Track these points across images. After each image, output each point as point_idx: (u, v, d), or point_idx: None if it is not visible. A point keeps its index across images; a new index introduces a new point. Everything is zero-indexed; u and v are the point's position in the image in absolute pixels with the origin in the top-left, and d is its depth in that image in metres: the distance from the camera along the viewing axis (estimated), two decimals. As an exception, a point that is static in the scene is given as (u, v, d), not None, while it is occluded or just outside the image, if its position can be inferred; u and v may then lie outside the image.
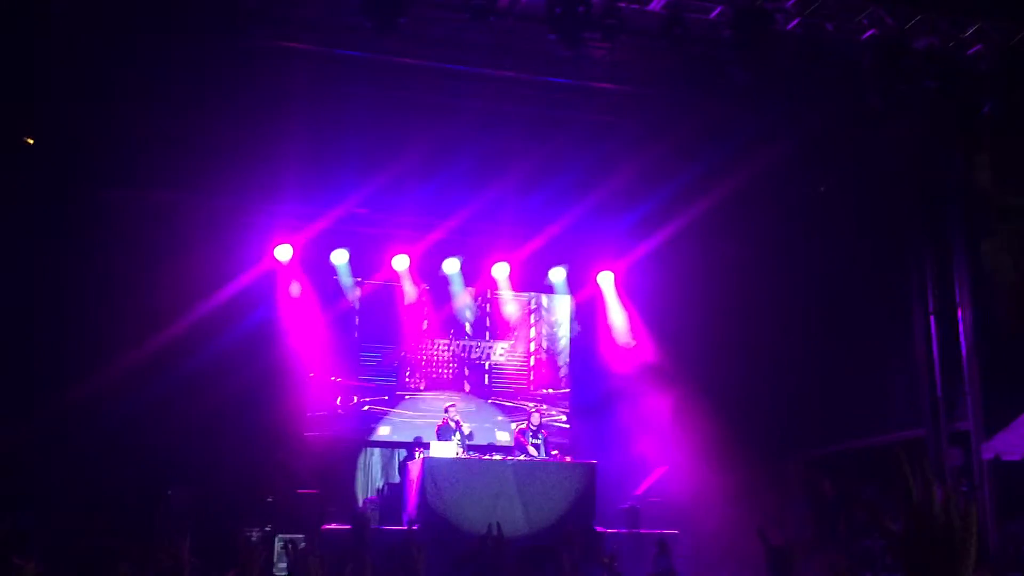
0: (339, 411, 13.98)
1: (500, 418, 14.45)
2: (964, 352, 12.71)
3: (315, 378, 13.82)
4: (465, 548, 9.81)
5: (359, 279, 14.52)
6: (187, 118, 11.63)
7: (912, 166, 13.18)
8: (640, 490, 13.40)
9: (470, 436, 12.64)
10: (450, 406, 12.81)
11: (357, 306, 14.54)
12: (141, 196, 12.62)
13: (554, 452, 12.68)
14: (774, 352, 14.01)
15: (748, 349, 13.93)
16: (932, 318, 13.37)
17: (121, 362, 12.00)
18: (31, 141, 11.66)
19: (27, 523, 10.39)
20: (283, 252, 13.72)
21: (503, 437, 13.64)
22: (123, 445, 11.73)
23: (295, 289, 13.90)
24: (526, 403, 14.28)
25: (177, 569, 4.10)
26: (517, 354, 15.15)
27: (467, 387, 14.66)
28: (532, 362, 15.18)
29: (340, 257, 14.22)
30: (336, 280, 14.41)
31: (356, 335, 14.43)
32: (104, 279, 12.38)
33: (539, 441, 12.55)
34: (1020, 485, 12.02)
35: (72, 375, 11.75)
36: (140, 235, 12.54)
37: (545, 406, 13.67)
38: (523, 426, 12.87)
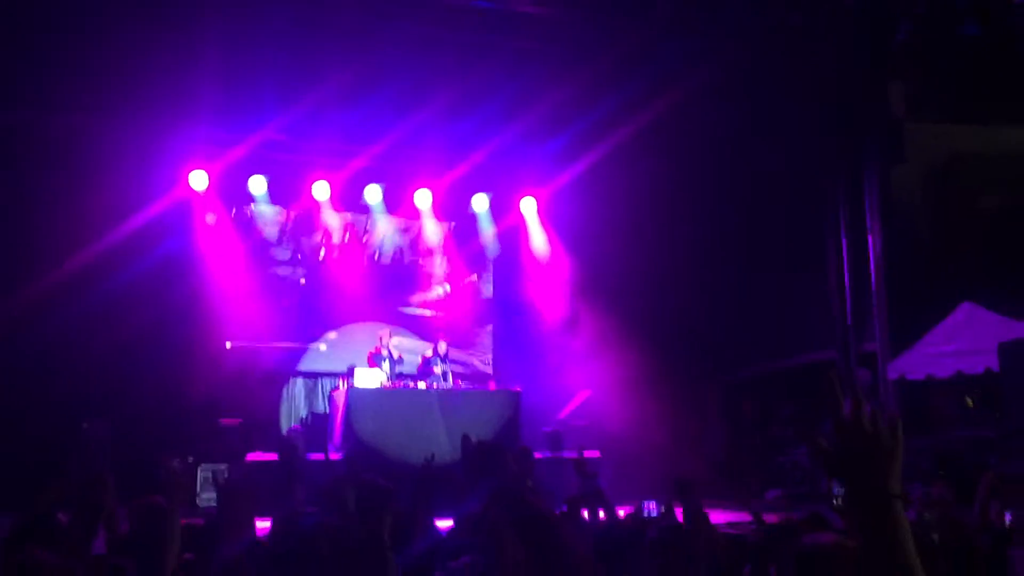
0: (259, 343, 13.80)
1: (415, 345, 14.40)
2: (873, 277, 13.19)
3: (235, 307, 13.60)
4: (390, 478, 9.82)
5: (279, 207, 14.22)
6: (95, 36, 11.07)
7: (828, 93, 13.42)
8: (563, 414, 13.64)
9: (399, 361, 12.64)
10: (383, 334, 12.79)
11: (276, 236, 14.27)
12: (49, 119, 12.02)
13: (460, 383, 12.63)
14: (694, 278, 14.29)
15: (668, 275, 14.18)
16: (844, 243, 13.80)
17: (29, 291, 11.57)
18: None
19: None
20: (198, 179, 13.31)
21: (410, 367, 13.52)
22: (34, 377, 11.40)
23: (211, 218, 13.55)
24: (436, 330, 14.21)
25: (101, 503, 4.02)
26: (438, 283, 15.14)
27: (388, 315, 14.58)
28: (450, 290, 15.19)
29: (258, 185, 13.86)
30: (254, 208, 14.10)
31: (275, 265, 14.19)
32: (10, 205, 11.88)
33: (445, 368, 12.58)
34: (921, 403, 12.63)
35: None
36: (49, 160, 12.00)
37: (445, 345, 13.53)
38: (428, 354, 12.89)
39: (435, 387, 12.13)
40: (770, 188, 14.06)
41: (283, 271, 14.23)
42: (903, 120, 13.72)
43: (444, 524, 5.07)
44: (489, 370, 14.80)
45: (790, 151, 13.80)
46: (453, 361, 13.27)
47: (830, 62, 13.13)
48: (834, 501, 8.95)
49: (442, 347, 12.82)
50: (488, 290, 15.43)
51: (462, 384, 13.02)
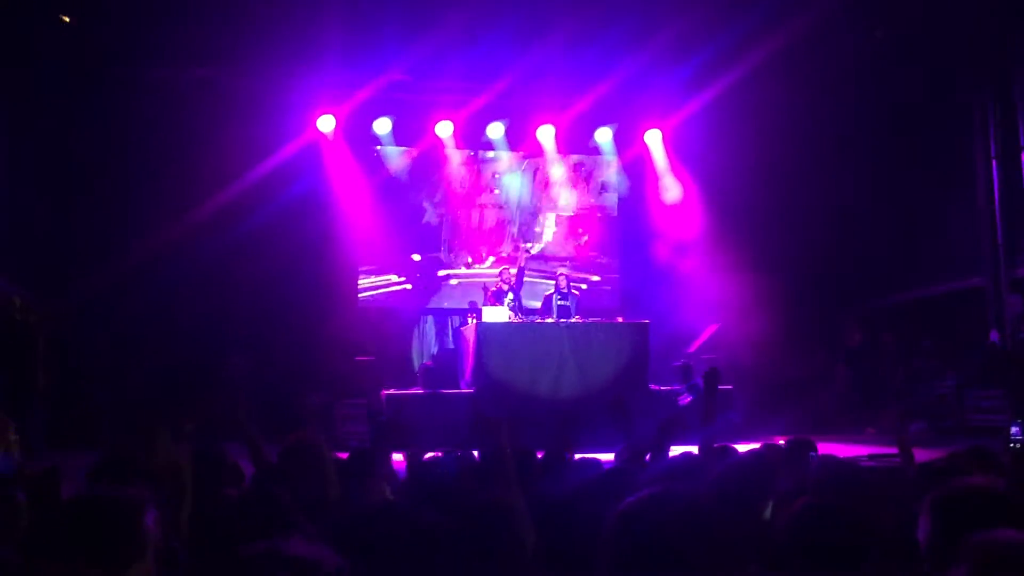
0: (392, 281, 14.12)
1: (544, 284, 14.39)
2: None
3: (366, 246, 13.92)
4: (523, 411, 9.93)
5: (404, 148, 14.39)
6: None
7: (976, 6, 12.49)
8: (693, 348, 13.46)
9: (518, 300, 12.71)
10: (504, 270, 12.85)
11: (403, 176, 14.47)
12: (180, 72, 12.52)
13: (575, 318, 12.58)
14: (829, 205, 13.75)
15: (802, 204, 13.68)
16: (994, 163, 12.97)
17: (175, 232, 12.21)
18: (67, 19, 11.51)
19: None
20: (326, 122, 13.62)
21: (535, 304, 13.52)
22: (178, 313, 12.10)
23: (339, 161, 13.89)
24: (560, 266, 14.15)
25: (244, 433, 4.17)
26: (564, 219, 15.06)
27: (517, 252, 14.63)
28: (579, 228, 15.10)
29: (383, 126, 14.07)
30: (380, 149, 14.32)
31: (403, 205, 14.41)
32: (147, 156, 12.49)
33: (567, 303, 12.53)
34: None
35: (120, 251, 12.03)
36: (180, 112, 12.53)
37: (565, 269, 13.42)
38: (549, 292, 12.86)
39: (562, 322, 12.10)
40: (912, 109, 13.32)
41: (410, 210, 14.42)
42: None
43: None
44: (614, 295, 14.71)
45: (935, 66, 12.98)
46: (578, 290, 13.23)
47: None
48: (1011, 444, 8.44)
49: (562, 282, 12.71)
50: (614, 221, 15.24)
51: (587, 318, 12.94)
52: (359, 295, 13.94)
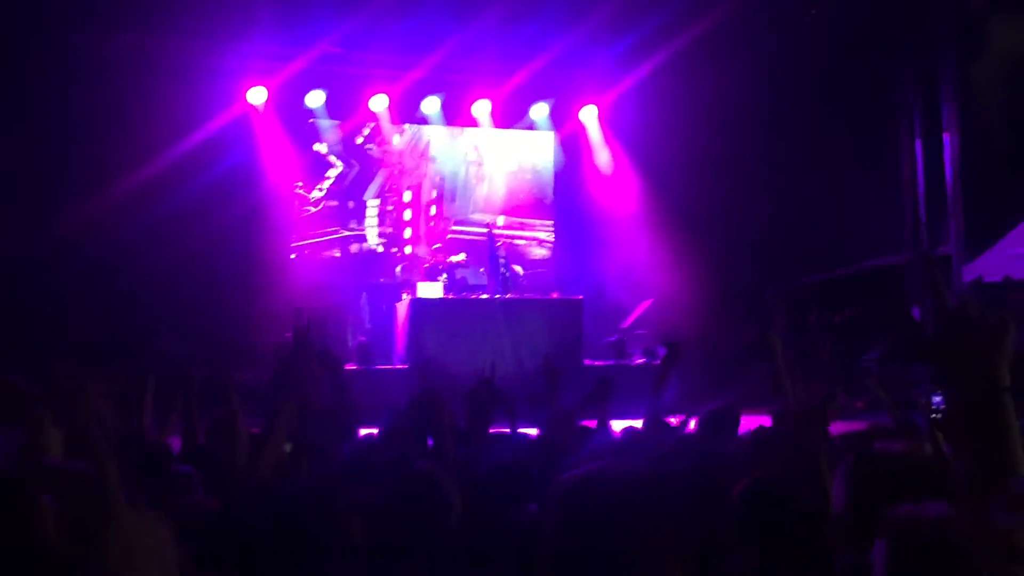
0: (325, 255, 13.96)
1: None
2: (948, 177, 12.70)
3: (298, 221, 13.73)
4: (455, 387, 9.92)
5: (337, 121, 14.18)
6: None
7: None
8: (626, 323, 13.59)
9: (456, 274, 12.66)
10: (437, 248, 12.83)
11: (337, 149, 14.28)
12: (106, 39, 12.10)
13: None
14: (758, 182, 13.95)
15: (733, 179, 13.85)
16: (918, 143, 13.29)
17: (95, 207, 11.79)
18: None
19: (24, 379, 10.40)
20: (257, 94, 13.32)
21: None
22: (100, 294, 11.68)
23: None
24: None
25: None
26: (501, 193, 15.04)
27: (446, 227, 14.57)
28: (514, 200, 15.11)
29: (316, 99, 13.81)
30: (313, 123, 14.09)
31: (337, 180, 14.23)
32: (70, 126, 11.98)
33: (505, 272, 12.55)
34: (997, 305, 12.24)
35: (38, 224, 11.54)
36: (107, 79, 12.09)
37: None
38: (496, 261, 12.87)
39: (496, 298, 12.11)
40: (839, 87, 13.54)
41: (341, 185, 14.25)
42: (980, 11, 12.96)
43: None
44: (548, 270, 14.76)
45: (860, 49, 13.22)
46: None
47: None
48: (933, 415, 8.70)
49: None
50: (549, 199, 15.27)
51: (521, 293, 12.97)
52: (292, 270, 13.73)
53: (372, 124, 14.29)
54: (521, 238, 14.71)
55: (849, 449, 3.54)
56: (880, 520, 1.88)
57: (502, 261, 12.56)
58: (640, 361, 11.91)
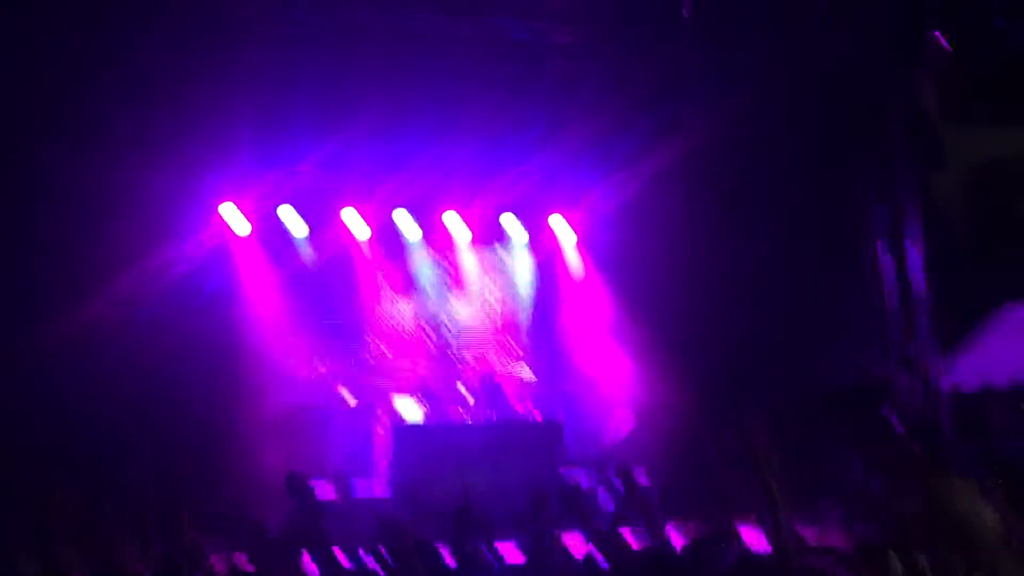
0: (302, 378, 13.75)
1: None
2: (914, 288, 12.90)
3: (274, 344, 13.56)
4: (438, 516, 9.76)
5: (309, 237, 14.16)
6: (129, 71, 11.13)
7: (857, 100, 13.20)
8: (608, 443, 13.48)
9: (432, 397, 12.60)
10: (408, 371, 12.84)
11: (311, 266, 14.23)
12: (77, 152, 11.98)
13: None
14: (734, 300, 14.06)
15: (708, 299, 13.94)
16: (889, 258, 13.53)
17: (67, 329, 11.47)
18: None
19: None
20: (229, 211, 13.28)
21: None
22: (67, 421, 11.22)
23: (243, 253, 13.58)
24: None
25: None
26: (477, 310, 15.03)
27: (431, 347, 14.49)
28: (491, 319, 15.10)
29: (289, 214, 13.81)
30: (287, 239, 14.06)
31: (313, 298, 14.14)
32: (47, 239, 11.72)
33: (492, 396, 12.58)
34: (972, 411, 12.32)
35: (12, 338, 11.21)
36: (79, 194, 11.80)
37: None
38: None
39: (476, 422, 12.11)
40: (808, 207, 13.85)
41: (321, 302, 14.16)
42: (938, 123, 13.42)
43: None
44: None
45: (824, 162, 13.60)
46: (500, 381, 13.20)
47: (857, 62, 12.93)
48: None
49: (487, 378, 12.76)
50: (525, 316, 15.27)
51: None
52: (271, 391, 13.47)
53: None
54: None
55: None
56: None
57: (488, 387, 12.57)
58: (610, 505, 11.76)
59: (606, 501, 11.24)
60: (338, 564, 4.16)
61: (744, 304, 14.07)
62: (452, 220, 14.54)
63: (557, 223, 15.00)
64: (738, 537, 4.48)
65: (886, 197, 13.57)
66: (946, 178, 13.50)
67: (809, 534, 5.38)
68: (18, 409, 11.00)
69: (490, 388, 12.71)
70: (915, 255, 12.97)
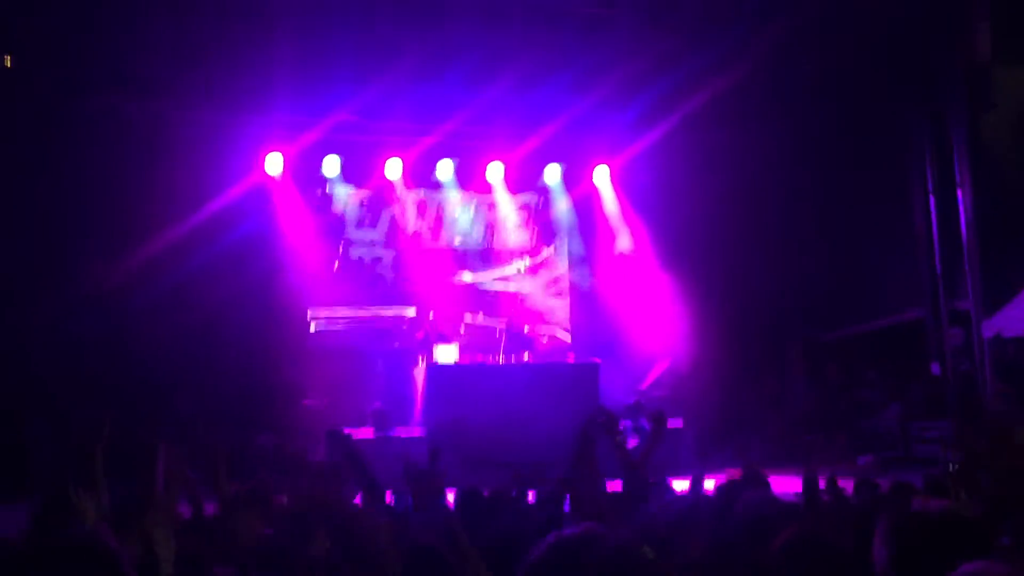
0: (340, 322, 14.01)
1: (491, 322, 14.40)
2: (964, 231, 12.66)
3: (315, 287, 13.80)
4: (473, 453, 9.86)
5: (352, 187, 14.36)
6: (173, 22, 11.31)
7: (909, 41, 12.88)
8: (644, 385, 13.50)
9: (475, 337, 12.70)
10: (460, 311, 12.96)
11: (351, 216, 14.42)
12: (126, 106, 12.30)
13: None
14: (774, 239, 13.98)
15: (747, 238, 13.89)
16: (932, 198, 13.29)
17: (115, 273, 11.91)
18: (8, 63, 11.34)
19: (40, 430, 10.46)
20: (274, 161, 13.52)
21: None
22: (121, 359, 11.74)
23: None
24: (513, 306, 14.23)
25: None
26: (514, 257, 15.12)
27: (463, 292, 14.63)
28: (527, 265, 15.16)
29: (332, 165, 14.01)
30: (328, 189, 14.26)
31: (351, 245, 14.34)
32: (90, 191, 12.15)
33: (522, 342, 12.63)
34: (1018, 360, 12.13)
35: (60, 289, 11.68)
36: (127, 146, 12.24)
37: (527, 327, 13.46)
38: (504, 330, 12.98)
39: (513, 362, 12.12)
40: (852, 147, 13.61)
41: (358, 251, 14.37)
42: (989, 64, 13.04)
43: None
44: (568, 340, 14.73)
45: (873, 103, 13.34)
46: (533, 336, 13.25)
47: (910, 7, 12.60)
48: (950, 466, 8.56)
49: (526, 328, 12.85)
50: (564, 262, 15.31)
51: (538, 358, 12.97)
52: (309, 336, 13.78)
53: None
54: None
55: (881, 507, 3.52)
56: None
57: (516, 332, 12.66)
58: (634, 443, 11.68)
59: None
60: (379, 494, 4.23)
61: (787, 249, 13.97)
62: (492, 168, 14.57)
63: (595, 168, 14.93)
64: (765, 482, 4.49)
65: (934, 143, 13.29)
66: (995, 118, 13.17)
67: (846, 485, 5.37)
68: (72, 345, 11.44)
69: (524, 338, 12.80)
70: (963, 200, 12.69)
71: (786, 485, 7.49)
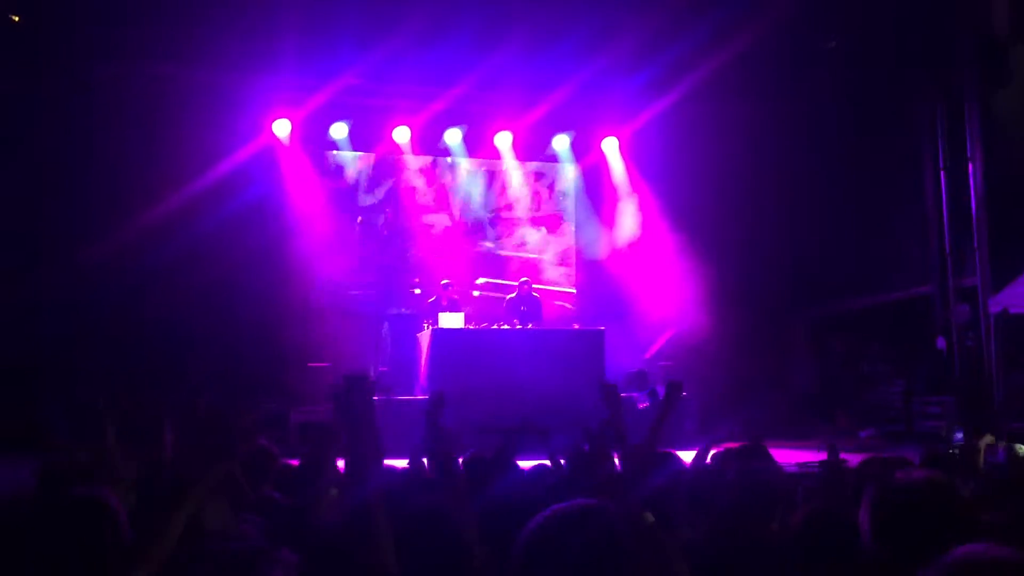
0: (347, 286, 14.05)
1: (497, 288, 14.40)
2: (974, 207, 12.60)
3: (322, 251, 13.82)
4: (478, 418, 9.88)
5: (360, 153, 14.34)
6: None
7: (923, 13, 12.74)
8: (649, 354, 13.53)
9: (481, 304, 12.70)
10: (447, 284, 12.93)
11: (360, 181, 14.41)
12: (134, 69, 12.29)
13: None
14: (782, 211, 13.93)
15: (756, 209, 13.85)
16: (942, 173, 13.22)
17: (119, 237, 11.91)
18: (16, 18, 11.29)
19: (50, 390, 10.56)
20: (281, 126, 13.51)
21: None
22: (127, 321, 11.80)
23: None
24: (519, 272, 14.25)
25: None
26: (521, 225, 15.10)
27: (470, 259, 14.64)
28: (534, 233, 15.14)
29: (340, 131, 13.99)
30: (336, 154, 14.24)
31: (359, 211, 14.33)
32: (97, 155, 12.13)
33: (527, 309, 12.61)
34: (1019, 333, 12.11)
35: (69, 252, 11.73)
36: (134, 109, 12.25)
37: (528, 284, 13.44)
38: (512, 297, 12.94)
39: (517, 328, 12.13)
40: (863, 116, 13.52)
41: (366, 216, 14.37)
42: (1006, 41, 12.91)
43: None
44: (573, 309, 14.74)
45: (885, 76, 13.22)
46: (536, 301, 13.22)
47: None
48: (952, 451, 8.58)
49: (525, 288, 12.85)
50: (571, 230, 15.29)
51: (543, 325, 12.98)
52: (315, 299, 13.82)
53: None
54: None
55: (872, 479, 3.52)
56: (935, 563, 1.72)
57: (523, 298, 12.65)
58: (644, 405, 11.77)
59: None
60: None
61: (795, 222, 13.93)
62: (502, 140, 14.51)
63: (604, 136, 14.86)
64: (767, 454, 4.49)
65: (947, 117, 13.20)
66: (1008, 94, 13.06)
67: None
68: (81, 307, 11.51)
69: (532, 305, 12.79)
70: (974, 175, 12.62)
71: (788, 456, 7.54)
